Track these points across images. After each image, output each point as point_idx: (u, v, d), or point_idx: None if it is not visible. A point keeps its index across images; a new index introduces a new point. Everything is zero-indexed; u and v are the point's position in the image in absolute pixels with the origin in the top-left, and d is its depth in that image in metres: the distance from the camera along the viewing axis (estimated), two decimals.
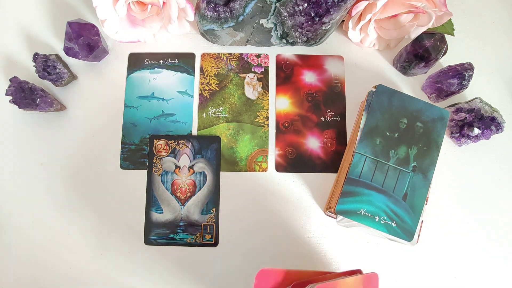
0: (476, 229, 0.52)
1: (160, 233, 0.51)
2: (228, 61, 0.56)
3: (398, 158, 0.47)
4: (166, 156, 0.53)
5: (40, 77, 0.52)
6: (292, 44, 0.56)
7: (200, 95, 0.55)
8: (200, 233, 0.51)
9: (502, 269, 0.51)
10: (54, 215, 0.52)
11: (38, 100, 0.50)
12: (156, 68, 0.56)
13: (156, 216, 0.52)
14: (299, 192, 0.53)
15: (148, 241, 0.51)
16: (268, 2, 0.50)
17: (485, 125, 0.51)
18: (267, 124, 0.55)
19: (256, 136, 0.54)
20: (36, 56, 0.52)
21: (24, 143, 0.53)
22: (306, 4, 0.48)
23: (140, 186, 0.52)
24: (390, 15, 0.51)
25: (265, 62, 0.56)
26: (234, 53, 0.57)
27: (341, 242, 0.52)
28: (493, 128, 0.51)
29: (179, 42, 0.57)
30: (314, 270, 0.42)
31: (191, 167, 0.53)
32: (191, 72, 0.56)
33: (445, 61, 0.56)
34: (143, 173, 0.53)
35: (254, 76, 0.56)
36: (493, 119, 0.51)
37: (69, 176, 0.53)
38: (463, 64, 0.52)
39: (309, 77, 0.56)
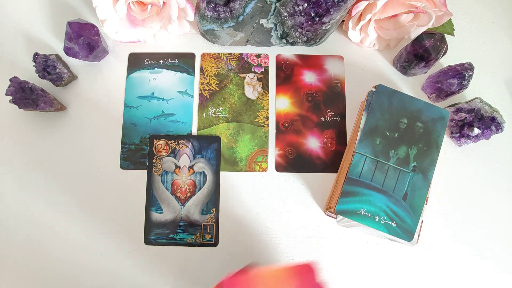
0: (476, 229, 0.52)
1: (160, 233, 0.51)
2: (228, 61, 0.56)
3: (398, 158, 0.47)
4: (166, 156, 0.53)
5: (40, 77, 0.52)
6: (292, 44, 0.56)
7: (200, 95, 0.55)
8: (200, 233, 0.51)
9: (502, 269, 0.51)
10: (54, 215, 0.52)
11: (38, 100, 0.50)
12: (156, 68, 0.56)
13: (156, 216, 0.52)
14: (299, 192, 0.53)
15: (148, 241, 0.51)
16: (268, 2, 0.50)
17: (485, 125, 0.51)
18: (267, 124, 0.55)
19: (256, 136, 0.54)
20: (36, 56, 0.52)
21: (24, 143, 0.53)
22: (306, 4, 0.48)
23: (140, 186, 0.52)
24: (390, 15, 0.51)
25: (265, 62, 0.56)
26: (234, 53, 0.57)
27: (341, 242, 0.52)
28: (493, 128, 0.51)
29: (179, 42, 0.57)
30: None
31: (191, 167, 0.53)
32: (191, 72, 0.56)
33: (445, 61, 0.56)
34: (143, 173, 0.53)
35: (254, 76, 0.56)
36: (493, 119, 0.51)
37: (69, 176, 0.53)
38: (463, 64, 0.52)
39: (309, 77, 0.56)
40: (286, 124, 0.55)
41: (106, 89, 0.55)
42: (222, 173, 0.53)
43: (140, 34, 0.55)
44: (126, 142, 0.54)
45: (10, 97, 0.51)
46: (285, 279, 0.36)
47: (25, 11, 0.57)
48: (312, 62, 0.57)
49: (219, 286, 0.35)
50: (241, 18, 0.51)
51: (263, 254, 0.51)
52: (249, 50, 0.57)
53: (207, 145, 0.54)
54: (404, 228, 0.46)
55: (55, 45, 0.56)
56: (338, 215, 0.46)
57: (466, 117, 0.52)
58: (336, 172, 0.53)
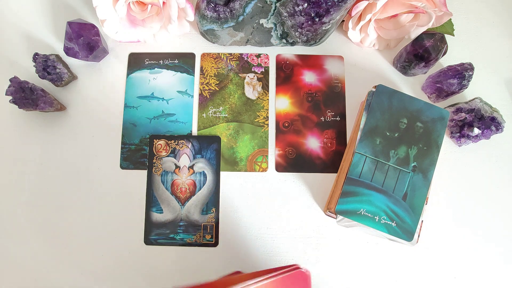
0: (476, 229, 0.52)
1: (160, 233, 0.51)
2: (228, 61, 0.56)
3: (398, 158, 0.47)
4: (166, 156, 0.53)
5: (40, 77, 0.52)
6: (292, 44, 0.56)
7: (200, 95, 0.55)
8: (200, 233, 0.51)
9: (502, 269, 0.51)
10: (54, 215, 0.52)
11: (38, 100, 0.50)
12: (156, 68, 0.56)
13: (156, 216, 0.52)
14: (299, 192, 0.53)
15: (148, 241, 0.51)
16: (268, 2, 0.50)
17: (485, 125, 0.51)
18: (267, 124, 0.55)
19: (256, 136, 0.54)
20: (36, 56, 0.52)
21: (24, 143, 0.53)
22: (306, 4, 0.48)
23: (140, 186, 0.52)
24: (390, 15, 0.51)
25: (265, 62, 0.56)
26: (234, 53, 0.57)
27: (341, 242, 0.52)
28: (493, 128, 0.51)
29: (179, 42, 0.57)
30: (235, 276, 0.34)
31: (191, 167, 0.53)
32: (191, 72, 0.56)
33: (445, 61, 0.56)
34: (143, 173, 0.53)
35: (254, 76, 0.56)
36: (493, 119, 0.51)
37: (69, 176, 0.53)
38: (463, 64, 0.52)
39: (309, 77, 0.56)
40: (286, 124, 0.55)
41: (106, 89, 0.55)
42: (222, 173, 0.53)
43: (140, 34, 0.55)
44: (126, 142, 0.54)
45: (10, 97, 0.51)
46: None
47: (25, 11, 0.57)
48: (312, 62, 0.57)
49: None
50: (241, 18, 0.51)
51: (263, 254, 0.51)
52: (249, 50, 0.57)
53: (207, 145, 0.54)
54: (404, 228, 0.46)
55: (55, 45, 0.56)
56: (338, 215, 0.46)
57: (466, 117, 0.52)
58: (336, 172, 0.53)
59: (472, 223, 0.52)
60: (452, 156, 0.54)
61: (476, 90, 0.56)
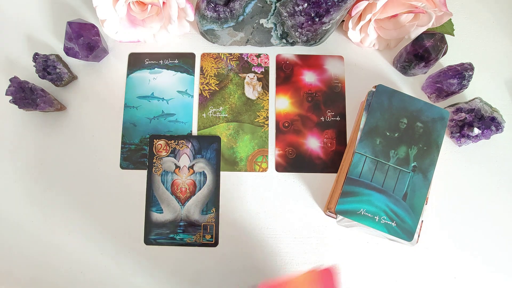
0: (476, 229, 0.52)
1: (160, 233, 0.51)
2: (228, 61, 0.56)
3: (398, 158, 0.47)
4: (166, 156, 0.53)
5: (40, 77, 0.52)
6: (292, 44, 0.56)
7: (200, 95, 0.55)
8: (200, 233, 0.51)
9: (502, 269, 0.51)
10: (54, 215, 0.52)
11: (38, 100, 0.50)
12: (156, 68, 0.56)
13: (156, 216, 0.52)
14: (299, 192, 0.53)
15: (148, 241, 0.51)
16: (268, 2, 0.50)
17: (485, 125, 0.51)
18: (267, 124, 0.55)
19: (256, 136, 0.54)
20: (36, 56, 0.52)
21: (24, 143, 0.53)
22: (306, 4, 0.48)
23: (140, 186, 0.52)
24: (390, 15, 0.51)
25: (265, 62, 0.56)
26: (234, 53, 0.57)
27: (341, 242, 0.52)
28: (493, 128, 0.51)
29: (179, 42, 0.57)
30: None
31: (191, 167, 0.53)
32: (191, 72, 0.56)
33: (445, 61, 0.56)
34: (143, 173, 0.53)
35: (254, 76, 0.56)
36: (493, 119, 0.51)
37: (69, 176, 0.53)
38: (463, 64, 0.52)
39: (309, 77, 0.56)
40: (286, 124, 0.55)
41: (106, 89, 0.55)
42: (222, 173, 0.53)
43: (140, 34, 0.55)
44: (126, 142, 0.54)
45: (10, 97, 0.51)
46: (308, 285, 0.38)
47: (25, 11, 0.57)
48: (312, 62, 0.57)
49: None
50: (241, 18, 0.51)
51: (263, 254, 0.51)
52: (249, 50, 0.57)
53: (207, 145, 0.54)
54: (404, 228, 0.46)
55: (55, 45, 0.56)
56: (338, 215, 0.46)
57: (466, 117, 0.52)
58: (336, 172, 0.53)
59: (472, 223, 0.52)
60: (452, 156, 0.54)
61: (476, 90, 0.56)
